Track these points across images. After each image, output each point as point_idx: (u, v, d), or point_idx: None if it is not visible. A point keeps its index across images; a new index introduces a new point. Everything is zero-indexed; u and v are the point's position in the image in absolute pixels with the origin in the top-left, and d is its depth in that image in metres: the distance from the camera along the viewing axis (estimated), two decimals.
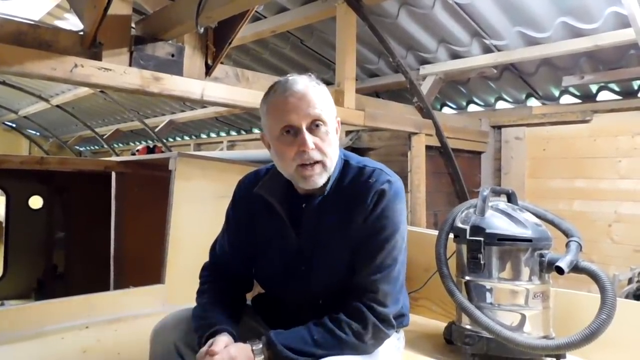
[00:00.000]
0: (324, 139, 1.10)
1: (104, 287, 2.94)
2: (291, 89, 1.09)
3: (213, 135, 7.15)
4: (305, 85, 1.10)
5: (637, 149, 3.19)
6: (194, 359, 1.11)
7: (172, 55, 1.67)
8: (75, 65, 1.44)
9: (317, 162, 1.10)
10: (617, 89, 3.31)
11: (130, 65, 1.58)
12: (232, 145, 6.73)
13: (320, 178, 1.13)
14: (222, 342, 1.08)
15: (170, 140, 7.44)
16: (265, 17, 3.20)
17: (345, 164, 1.21)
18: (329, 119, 1.12)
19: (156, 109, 6.24)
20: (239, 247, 1.31)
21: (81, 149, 9.59)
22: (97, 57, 1.53)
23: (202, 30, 1.43)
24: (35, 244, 4.16)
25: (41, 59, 1.39)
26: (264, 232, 1.26)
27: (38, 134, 9.87)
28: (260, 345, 1.07)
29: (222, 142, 6.84)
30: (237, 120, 6.24)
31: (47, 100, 6.53)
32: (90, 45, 1.50)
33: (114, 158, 3.64)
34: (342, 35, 2.52)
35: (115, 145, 8.17)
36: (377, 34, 2.64)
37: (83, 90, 5.33)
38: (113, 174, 3.02)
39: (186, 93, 1.75)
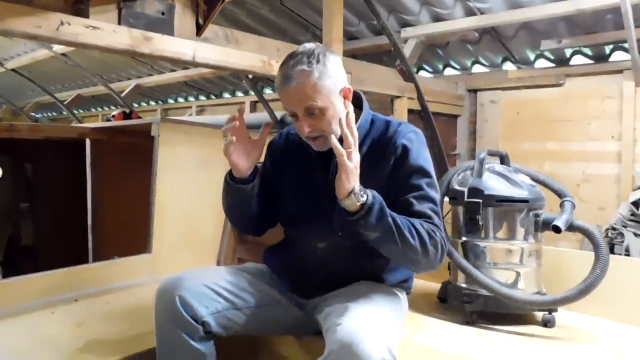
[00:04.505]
0: (320, 119, 1.21)
1: (80, 259, 2.85)
2: (287, 85, 1.19)
3: (181, 100, 6.92)
4: (299, 81, 1.18)
5: (606, 111, 3.32)
6: (200, 309, 1.20)
7: (163, 14, 1.57)
8: (62, 23, 1.33)
9: (317, 136, 1.24)
10: (589, 53, 3.40)
11: (119, 23, 1.48)
12: (201, 111, 6.55)
13: (325, 145, 1.25)
14: None
15: (136, 105, 7.16)
16: None
17: (372, 120, 1.34)
18: (325, 100, 1.20)
19: (121, 73, 5.95)
20: (269, 186, 1.39)
21: (38, 115, 9.10)
22: (84, 14, 1.41)
23: None
24: None
25: (24, 15, 1.27)
26: (297, 172, 1.37)
27: None
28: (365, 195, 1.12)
29: (190, 107, 6.64)
30: (206, 84, 6.05)
31: (0, 64, 6.10)
32: (75, 1, 1.39)
33: (89, 124, 3.45)
34: None
35: (76, 112, 7.78)
36: None
37: (42, 54, 4.99)
38: (87, 142, 2.88)
39: (177, 54, 1.66)
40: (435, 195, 1.25)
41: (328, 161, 1.29)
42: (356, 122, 1.28)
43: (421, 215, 1.20)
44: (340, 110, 1.22)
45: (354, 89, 1.30)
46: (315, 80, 1.17)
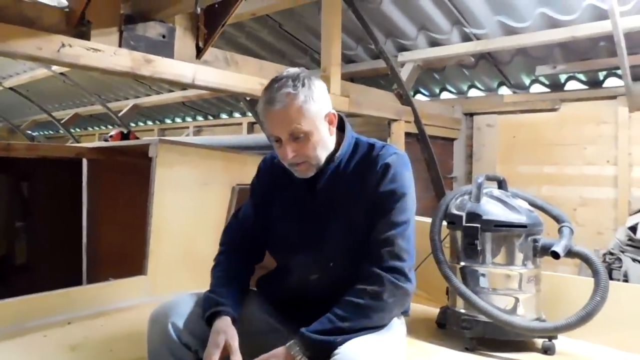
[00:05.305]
0: (304, 144, 1.20)
1: (75, 280, 2.81)
2: (271, 107, 1.18)
3: (178, 120, 6.94)
4: (284, 103, 1.17)
5: (601, 136, 3.34)
6: (191, 340, 1.18)
7: (163, 37, 1.59)
8: (63, 45, 1.34)
9: (301, 162, 1.23)
10: (584, 79, 3.44)
11: (120, 46, 1.49)
12: (198, 131, 6.56)
13: (308, 172, 1.25)
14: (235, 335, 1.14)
15: (133, 125, 7.17)
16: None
17: (356, 143, 1.32)
18: (310, 124, 1.20)
19: (119, 93, 5.98)
20: (261, 211, 1.38)
21: (34, 133, 9.09)
22: (85, 36, 1.42)
23: (199, 10, 1.35)
24: None
25: (26, 36, 1.28)
26: (283, 200, 1.35)
27: None
28: (297, 346, 1.11)
29: (187, 127, 6.66)
30: (204, 105, 6.08)
31: None
32: (77, 24, 1.39)
33: (86, 144, 3.45)
34: (327, 20, 2.47)
35: (73, 131, 7.79)
36: (362, 20, 2.61)
37: (41, 73, 5.02)
38: (84, 161, 2.87)
39: (178, 77, 1.67)
40: (404, 216, 1.22)
41: (314, 188, 1.28)
42: (338, 145, 1.29)
43: (385, 242, 1.20)
44: (325, 135, 1.23)
45: (339, 112, 1.29)
46: (301, 104, 1.17)
